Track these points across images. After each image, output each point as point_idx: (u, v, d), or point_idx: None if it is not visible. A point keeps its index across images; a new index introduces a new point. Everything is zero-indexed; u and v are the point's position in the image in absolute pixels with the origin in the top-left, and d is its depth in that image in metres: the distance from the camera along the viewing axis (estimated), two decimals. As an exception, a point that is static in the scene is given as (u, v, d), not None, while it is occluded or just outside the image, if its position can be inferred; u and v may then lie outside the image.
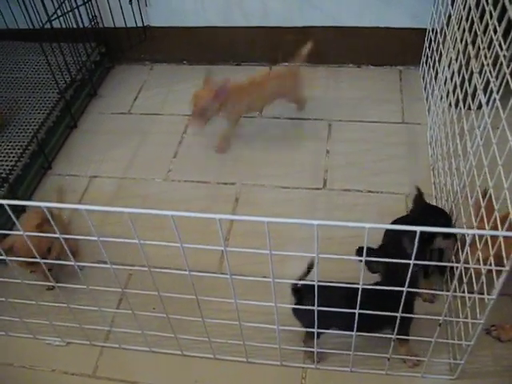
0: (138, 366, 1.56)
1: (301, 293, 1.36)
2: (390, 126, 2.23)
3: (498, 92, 1.30)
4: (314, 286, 1.11)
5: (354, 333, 1.27)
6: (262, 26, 2.49)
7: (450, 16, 1.88)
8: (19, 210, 1.88)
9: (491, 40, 1.41)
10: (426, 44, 2.27)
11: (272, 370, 1.50)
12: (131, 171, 2.16)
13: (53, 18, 2.11)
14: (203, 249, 1.07)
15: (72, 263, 1.23)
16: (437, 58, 2.04)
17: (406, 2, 2.29)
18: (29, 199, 2.06)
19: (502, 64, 1.30)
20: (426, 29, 2.23)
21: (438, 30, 2.02)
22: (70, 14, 2.30)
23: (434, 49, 2.08)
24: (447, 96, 1.81)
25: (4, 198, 1.89)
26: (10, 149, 2.07)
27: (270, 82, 2.12)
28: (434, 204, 1.79)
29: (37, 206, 1.07)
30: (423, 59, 2.35)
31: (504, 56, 1.30)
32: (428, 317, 1.24)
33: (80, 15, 2.37)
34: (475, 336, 1.26)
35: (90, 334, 1.58)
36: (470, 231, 0.97)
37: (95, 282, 1.39)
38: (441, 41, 1.99)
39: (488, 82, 1.38)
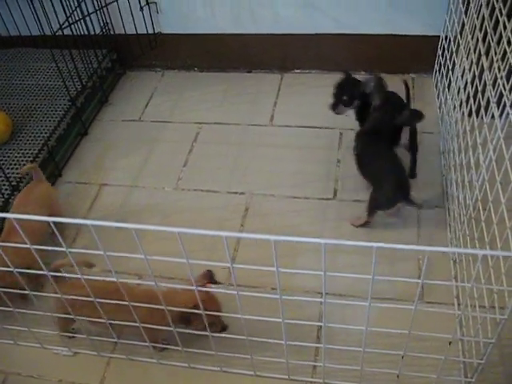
0: (146, 377, 1.55)
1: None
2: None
3: (511, 106, 1.27)
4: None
5: (362, 349, 1.25)
6: (272, 34, 2.48)
7: (463, 25, 1.85)
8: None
9: (505, 52, 1.38)
10: (439, 52, 2.23)
11: (280, 384, 1.48)
12: (141, 179, 2.16)
13: (64, 25, 2.11)
14: (210, 265, 1.06)
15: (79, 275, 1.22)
16: (450, 67, 2.01)
17: (418, 9, 2.27)
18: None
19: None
20: (439, 36, 2.20)
21: (452, 39, 1.99)
22: (82, 21, 2.30)
23: (448, 57, 2.05)
24: (460, 106, 1.79)
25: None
26: (20, 156, 2.07)
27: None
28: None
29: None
30: (436, 67, 2.32)
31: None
32: (439, 335, 1.22)
33: (91, 22, 2.37)
34: (486, 355, 1.23)
35: (97, 345, 1.58)
36: (482, 252, 0.95)
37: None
38: (454, 49, 1.96)
39: (502, 95, 1.35)
